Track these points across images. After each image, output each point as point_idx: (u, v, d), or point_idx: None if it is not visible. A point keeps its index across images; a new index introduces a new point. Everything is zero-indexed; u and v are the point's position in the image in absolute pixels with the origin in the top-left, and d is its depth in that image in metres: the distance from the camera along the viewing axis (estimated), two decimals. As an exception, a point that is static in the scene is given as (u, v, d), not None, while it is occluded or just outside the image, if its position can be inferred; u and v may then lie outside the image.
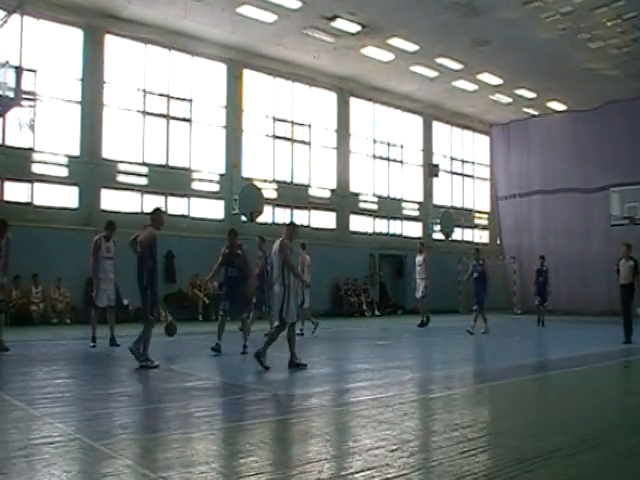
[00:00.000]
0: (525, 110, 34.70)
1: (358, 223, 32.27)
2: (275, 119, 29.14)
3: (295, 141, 29.80)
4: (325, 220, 30.68)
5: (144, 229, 11.19)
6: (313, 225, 29.85)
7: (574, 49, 26.49)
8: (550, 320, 23.56)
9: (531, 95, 32.77)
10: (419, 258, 21.95)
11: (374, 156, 33.21)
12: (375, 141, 33.29)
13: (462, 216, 36.60)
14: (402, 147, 34.61)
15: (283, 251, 11.04)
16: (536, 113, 34.46)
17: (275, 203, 28.53)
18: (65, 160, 23.09)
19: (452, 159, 37.69)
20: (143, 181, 24.87)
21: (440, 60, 28.19)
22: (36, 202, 22.43)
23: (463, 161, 38.47)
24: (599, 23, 24.23)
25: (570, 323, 25.05)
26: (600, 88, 29.76)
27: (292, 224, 11.79)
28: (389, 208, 33.64)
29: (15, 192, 22.13)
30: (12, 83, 14.70)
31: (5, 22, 15.03)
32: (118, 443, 5.99)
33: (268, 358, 10.91)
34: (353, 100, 32.20)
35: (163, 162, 25.55)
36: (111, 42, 24.40)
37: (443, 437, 6.48)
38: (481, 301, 19.70)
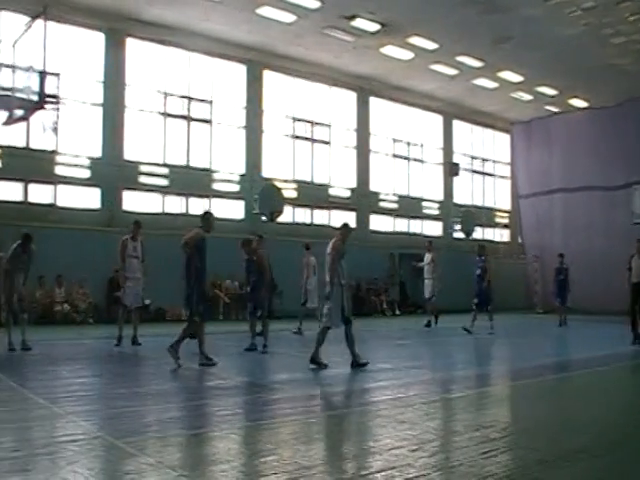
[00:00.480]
0: (546, 108, 34.48)
1: (378, 222, 32.22)
2: (295, 119, 29.17)
3: (315, 141, 29.83)
4: (345, 219, 30.59)
5: (190, 230, 11.33)
6: (333, 225, 29.86)
7: (596, 45, 26.24)
8: (572, 319, 23.39)
9: (552, 92, 32.56)
10: (427, 257, 21.49)
11: (394, 155, 33.16)
12: (395, 140, 33.21)
13: (483, 215, 36.47)
14: (422, 146, 34.52)
15: (331, 253, 11.24)
16: (557, 110, 34.25)
17: (295, 203, 28.56)
18: (87, 162, 23.27)
19: (472, 158, 37.52)
20: (164, 182, 25.01)
21: (460, 58, 28.08)
22: (59, 203, 22.62)
23: (484, 159, 38.29)
24: (622, 18, 23.96)
25: (592, 322, 24.88)
26: (622, 84, 29.51)
27: (346, 226, 11.87)
28: (409, 207, 33.57)
29: (39, 194, 22.34)
30: (36, 87, 14.82)
31: (29, 27, 15.15)
32: (140, 441, 6.04)
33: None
34: (373, 99, 32.16)
35: (184, 163, 25.67)
36: (132, 45, 24.56)
37: (464, 437, 6.49)
38: (486, 299, 19.16)
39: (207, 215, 11.75)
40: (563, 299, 22.97)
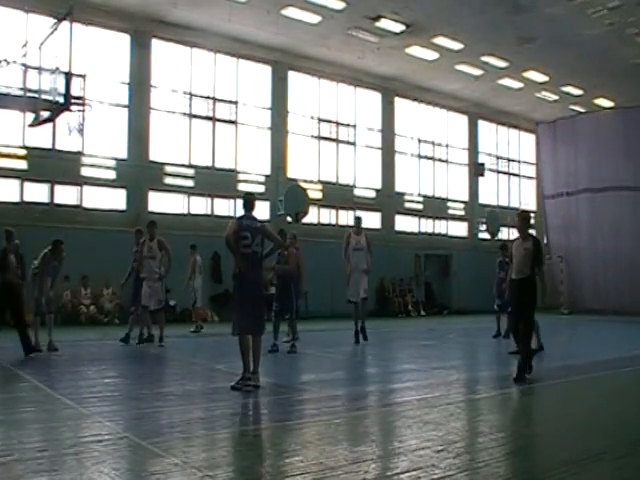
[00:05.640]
0: (572, 107, 34.26)
1: (403, 223, 32.16)
2: (320, 120, 29.19)
3: (340, 142, 29.82)
4: (370, 220, 30.59)
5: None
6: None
7: (622, 44, 26.03)
8: (598, 320, 23.14)
9: (578, 92, 32.33)
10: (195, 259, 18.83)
11: (419, 156, 33.07)
12: (420, 141, 33.14)
13: (508, 215, 36.23)
14: (447, 146, 34.42)
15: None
16: (583, 110, 34.01)
17: (320, 204, 28.56)
18: (113, 163, 23.43)
19: (498, 158, 37.35)
20: (189, 183, 25.11)
21: (485, 58, 27.96)
22: (85, 204, 22.80)
23: (509, 160, 38.09)
24: (647, 18, 23.82)
25: (619, 323, 24.66)
26: (649, 83, 29.32)
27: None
28: (434, 208, 33.46)
29: (65, 195, 22.54)
30: (62, 88, 14.94)
31: (55, 29, 15.27)
32: (165, 442, 6.06)
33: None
34: (398, 100, 32.10)
35: (209, 164, 25.76)
36: (157, 46, 24.70)
37: (489, 438, 6.45)
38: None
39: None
40: (505, 303, 15.67)
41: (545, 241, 34.50)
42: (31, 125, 16.84)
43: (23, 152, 21.56)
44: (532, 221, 37.15)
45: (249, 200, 9.67)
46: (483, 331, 18.50)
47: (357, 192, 30.18)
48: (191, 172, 25.21)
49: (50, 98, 15.21)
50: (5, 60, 15.59)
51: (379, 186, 31.09)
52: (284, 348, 13.54)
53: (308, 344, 14.91)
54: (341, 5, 22.72)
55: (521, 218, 10.87)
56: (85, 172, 22.78)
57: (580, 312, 29.38)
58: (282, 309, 13.68)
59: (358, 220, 16.31)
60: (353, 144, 30.31)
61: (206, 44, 25.47)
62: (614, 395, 9.36)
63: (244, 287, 9.13)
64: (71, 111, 15.51)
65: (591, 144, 31.57)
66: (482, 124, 36.41)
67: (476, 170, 34.96)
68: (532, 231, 32.30)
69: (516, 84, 31.19)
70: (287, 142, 28.00)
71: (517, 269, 10.32)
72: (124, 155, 23.75)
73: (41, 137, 21.40)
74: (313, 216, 27.92)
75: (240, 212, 10.03)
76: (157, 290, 14.87)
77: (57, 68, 14.98)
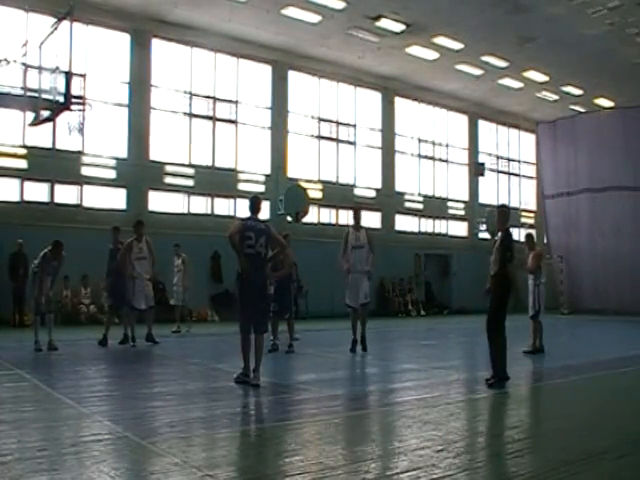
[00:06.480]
0: (572, 107, 34.23)
1: (403, 223, 32.15)
2: (320, 119, 29.17)
3: (340, 141, 29.81)
4: (370, 220, 30.55)
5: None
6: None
7: (622, 44, 26.01)
8: (598, 320, 23.12)
9: (578, 92, 32.31)
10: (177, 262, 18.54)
11: (419, 155, 33.06)
12: (420, 140, 33.12)
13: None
14: (447, 146, 34.40)
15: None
16: (583, 110, 34.00)
17: (320, 203, 28.55)
18: (113, 162, 23.41)
19: (498, 157, 37.33)
20: (190, 182, 25.09)
21: (485, 58, 27.94)
22: (85, 204, 22.77)
23: (509, 159, 38.08)
24: (647, 17, 23.81)
25: (619, 323, 24.65)
26: (649, 83, 29.30)
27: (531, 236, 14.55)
28: (434, 207, 33.44)
29: (65, 194, 22.52)
30: (62, 88, 14.93)
31: (55, 28, 15.26)
32: (165, 441, 6.07)
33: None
34: (398, 99, 32.08)
35: (209, 163, 25.75)
36: (157, 46, 24.67)
37: (489, 438, 6.46)
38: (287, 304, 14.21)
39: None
40: None
41: (545, 241, 34.54)
42: (31, 124, 16.84)
43: (23, 151, 21.55)
44: (533, 221, 37.35)
45: (255, 202, 9.82)
46: (483, 331, 18.47)
47: (357, 192, 30.16)
48: (191, 172, 25.19)
49: (50, 97, 15.20)
50: (5, 59, 15.57)
51: (379, 186, 31.09)
52: (284, 348, 13.55)
53: (308, 344, 14.92)
54: (341, 5, 22.70)
55: (497, 213, 10.81)
56: (85, 171, 22.76)
57: (580, 312, 29.35)
58: (280, 309, 13.62)
59: (357, 213, 14.36)
60: (353, 144, 30.30)
61: (206, 44, 25.46)
62: (614, 395, 9.36)
63: (247, 287, 9.20)
64: (71, 110, 15.50)
65: (591, 144, 31.57)
66: (482, 124, 36.39)
67: (476, 170, 34.94)
68: (533, 231, 32.17)
69: (516, 84, 31.18)
70: (287, 142, 27.99)
71: (491, 265, 10.03)
72: (124, 155, 23.74)
73: (41, 136, 21.37)
74: (313, 216, 27.91)
75: (242, 212, 10.07)
76: (148, 290, 14.95)
77: (57, 67, 14.97)
